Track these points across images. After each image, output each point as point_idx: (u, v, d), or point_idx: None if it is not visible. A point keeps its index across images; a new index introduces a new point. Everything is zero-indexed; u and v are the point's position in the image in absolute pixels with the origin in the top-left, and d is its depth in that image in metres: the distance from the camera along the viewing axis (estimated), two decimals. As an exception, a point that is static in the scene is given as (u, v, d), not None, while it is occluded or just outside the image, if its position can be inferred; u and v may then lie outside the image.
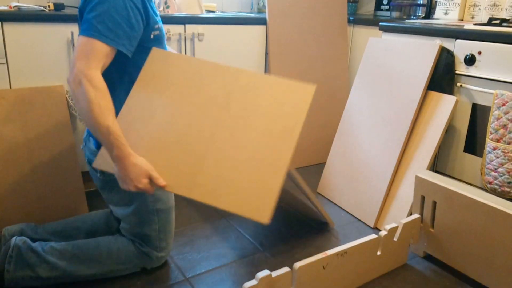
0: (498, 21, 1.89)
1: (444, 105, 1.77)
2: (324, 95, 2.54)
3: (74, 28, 1.85)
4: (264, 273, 1.20)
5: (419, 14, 2.59)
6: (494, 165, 1.64)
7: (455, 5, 2.27)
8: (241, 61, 2.32)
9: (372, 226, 1.90)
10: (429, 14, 2.43)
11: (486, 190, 1.67)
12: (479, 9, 2.21)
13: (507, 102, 1.60)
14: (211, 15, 2.24)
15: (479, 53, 1.72)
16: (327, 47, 2.51)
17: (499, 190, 1.65)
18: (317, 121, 2.53)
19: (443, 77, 1.80)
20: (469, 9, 2.26)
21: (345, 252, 1.39)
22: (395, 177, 1.87)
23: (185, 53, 2.14)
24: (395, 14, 2.62)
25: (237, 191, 1.16)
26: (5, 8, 1.80)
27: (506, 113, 1.60)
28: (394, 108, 1.91)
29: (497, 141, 1.63)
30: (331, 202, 2.13)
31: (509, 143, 1.61)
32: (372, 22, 2.45)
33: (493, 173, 1.65)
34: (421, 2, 2.57)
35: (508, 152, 1.60)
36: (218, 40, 2.22)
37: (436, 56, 1.79)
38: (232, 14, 2.40)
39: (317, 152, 2.57)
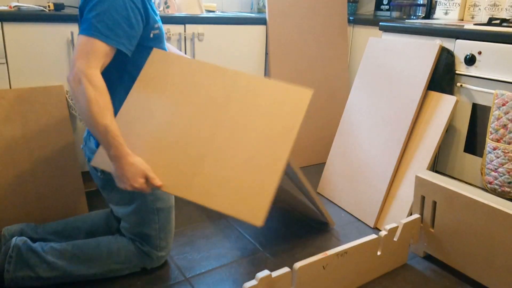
0: (498, 21, 1.88)
1: (444, 105, 1.77)
2: (324, 95, 2.54)
3: (74, 28, 1.85)
4: (264, 273, 1.20)
5: (419, 14, 2.59)
6: (494, 165, 1.64)
7: (455, 5, 2.27)
8: (241, 61, 2.32)
9: (372, 226, 1.90)
10: (429, 14, 2.43)
11: (486, 190, 1.67)
12: (479, 9, 2.21)
13: (507, 102, 1.60)
14: (211, 15, 2.24)
15: (479, 53, 1.72)
16: (327, 47, 2.51)
17: (499, 190, 1.65)
18: (317, 121, 2.53)
19: (443, 77, 1.80)
20: (469, 9, 2.26)
21: (345, 252, 1.39)
22: (395, 177, 1.87)
23: (185, 53, 2.14)
24: (395, 14, 2.62)
25: (232, 193, 1.17)
26: (5, 8, 1.80)
27: (506, 113, 1.60)
28: (394, 108, 1.90)
29: (497, 141, 1.63)
30: (331, 202, 2.13)
31: (509, 143, 1.61)
32: (372, 22, 2.45)
33: (493, 173, 1.65)
34: (421, 2, 2.57)
35: (508, 152, 1.60)
36: (218, 40, 2.22)
37: (436, 56, 1.79)
38: (232, 14, 2.40)
39: (317, 152, 2.57)
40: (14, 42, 1.75)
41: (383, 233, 1.51)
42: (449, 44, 1.83)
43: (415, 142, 1.83)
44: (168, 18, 2.05)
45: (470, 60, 1.75)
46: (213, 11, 2.51)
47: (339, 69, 2.57)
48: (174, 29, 2.07)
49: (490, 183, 1.67)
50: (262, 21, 2.32)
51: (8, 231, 1.48)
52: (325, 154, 2.46)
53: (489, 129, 1.66)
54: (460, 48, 1.79)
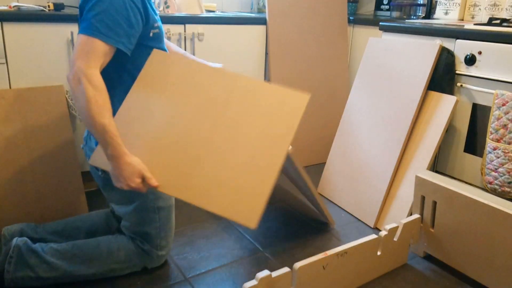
0: (498, 21, 1.88)
1: (444, 105, 1.77)
2: (324, 95, 2.54)
3: (74, 28, 1.85)
4: (264, 273, 1.20)
5: (419, 14, 2.59)
6: (495, 165, 1.64)
7: (455, 5, 2.27)
8: (241, 61, 2.32)
9: (372, 226, 1.90)
10: (429, 14, 2.43)
11: (486, 190, 1.67)
12: (479, 9, 2.21)
13: (507, 102, 1.60)
14: (211, 15, 2.24)
15: (479, 53, 1.72)
16: (327, 47, 2.51)
17: (500, 190, 1.65)
18: (317, 121, 2.53)
19: (443, 77, 1.80)
20: (469, 9, 2.26)
21: (345, 252, 1.39)
22: (395, 177, 1.87)
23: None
24: (395, 14, 2.62)
25: (226, 195, 1.18)
26: (5, 8, 1.80)
27: (506, 113, 1.60)
28: (394, 108, 1.90)
29: (498, 141, 1.63)
30: (331, 202, 2.13)
31: (509, 143, 1.60)
32: (372, 22, 2.45)
33: (493, 173, 1.65)
34: (421, 2, 2.57)
35: (508, 152, 1.60)
36: (218, 40, 2.22)
37: (436, 56, 1.79)
38: (232, 14, 2.40)
39: (317, 152, 2.57)
40: (14, 42, 1.75)
41: (383, 233, 1.51)
42: (449, 44, 1.83)
43: (415, 142, 1.83)
44: (168, 18, 2.05)
45: (470, 60, 1.75)
46: (213, 11, 2.51)
47: (339, 69, 2.57)
48: (174, 29, 2.07)
49: (490, 183, 1.67)
50: (262, 21, 2.32)
51: (8, 231, 1.49)
52: (325, 154, 2.45)
53: (489, 129, 1.66)
54: (460, 48, 1.79)
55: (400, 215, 1.81)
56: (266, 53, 2.38)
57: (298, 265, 1.28)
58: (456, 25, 1.92)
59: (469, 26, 1.84)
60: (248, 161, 1.20)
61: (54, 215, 1.75)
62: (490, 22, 1.90)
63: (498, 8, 2.13)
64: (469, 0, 2.25)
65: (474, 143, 1.79)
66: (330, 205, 2.10)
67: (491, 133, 1.65)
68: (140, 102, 1.33)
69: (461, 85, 1.79)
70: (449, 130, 1.86)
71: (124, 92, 1.36)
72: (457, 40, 1.81)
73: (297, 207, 2.04)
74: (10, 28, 1.73)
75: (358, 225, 1.92)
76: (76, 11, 1.88)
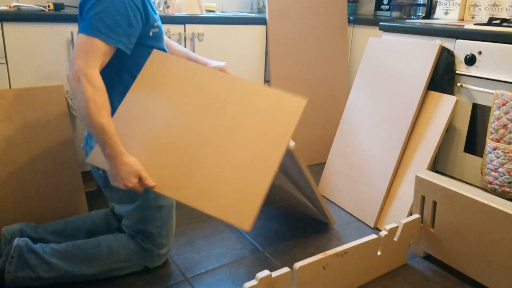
0: (498, 21, 1.88)
1: (444, 105, 1.77)
2: (324, 95, 2.54)
3: (74, 28, 1.85)
4: (264, 273, 1.20)
5: (419, 14, 2.59)
6: (495, 165, 1.64)
7: (455, 5, 2.27)
8: (241, 61, 2.32)
9: (372, 226, 1.90)
10: (429, 14, 2.43)
11: (486, 190, 1.67)
12: (479, 9, 2.21)
13: (507, 102, 1.60)
14: (211, 15, 2.24)
15: (480, 53, 1.72)
16: (327, 47, 2.51)
17: (500, 190, 1.65)
18: (317, 121, 2.53)
19: (443, 77, 1.80)
20: (469, 9, 2.26)
21: (345, 252, 1.39)
22: (395, 177, 1.87)
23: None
24: (395, 14, 2.62)
25: (222, 197, 1.19)
26: (5, 8, 1.80)
27: (506, 113, 1.60)
28: (394, 108, 1.90)
29: (498, 141, 1.63)
30: (331, 202, 2.13)
31: (509, 143, 1.60)
32: (372, 22, 2.45)
33: (493, 173, 1.65)
34: (421, 2, 2.57)
35: (508, 152, 1.60)
36: (218, 40, 2.22)
37: (436, 56, 1.79)
38: (232, 14, 2.40)
39: (317, 152, 2.57)
40: (14, 42, 1.75)
41: (383, 233, 1.51)
42: (449, 44, 1.83)
43: (415, 142, 1.83)
44: (168, 18, 2.05)
45: (470, 60, 1.75)
46: (213, 11, 2.51)
47: (339, 69, 2.57)
48: (174, 29, 2.07)
49: (490, 183, 1.67)
50: (262, 21, 2.32)
51: (8, 231, 1.49)
52: (325, 154, 2.45)
53: (489, 129, 1.66)
54: (460, 48, 1.79)
55: (400, 215, 1.81)
56: (266, 53, 2.38)
57: (298, 265, 1.28)
58: (456, 25, 1.92)
59: (469, 26, 1.84)
60: (243, 164, 1.21)
61: (54, 215, 1.75)
62: (490, 22, 1.90)
63: (498, 8, 2.13)
64: (469, 0, 2.25)
65: (474, 143, 1.79)
66: (330, 205, 2.10)
67: (491, 133, 1.65)
68: (139, 102, 1.33)
69: (461, 85, 1.79)
70: (449, 130, 1.86)
71: (124, 91, 1.37)
72: (457, 40, 1.81)
73: (297, 207, 2.04)
74: (10, 28, 1.73)
75: (358, 225, 1.92)
76: (76, 11, 1.88)
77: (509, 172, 1.61)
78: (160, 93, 1.34)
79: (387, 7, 2.77)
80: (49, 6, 1.91)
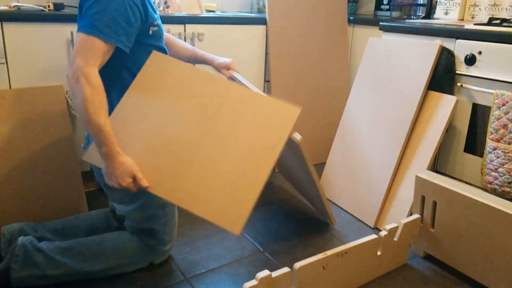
0: (498, 21, 1.88)
1: (444, 105, 1.77)
2: (324, 95, 2.54)
3: (73, 28, 1.85)
4: (264, 273, 1.20)
5: (419, 14, 2.59)
6: (495, 165, 1.64)
7: (455, 5, 2.27)
8: (241, 61, 2.32)
9: (372, 226, 1.90)
10: (429, 14, 2.43)
11: (486, 190, 1.67)
12: (479, 9, 2.21)
13: (507, 102, 1.60)
14: (211, 15, 2.24)
15: (480, 53, 1.72)
16: (327, 47, 2.51)
17: (500, 190, 1.65)
18: (317, 121, 2.53)
19: (443, 77, 1.80)
20: (469, 9, 2.26)
21: (345, 252, 1.39)
22: (395, 177, 1.87)
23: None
24: (395, 14, 2.62)
25: (213, 200, 1.21)
26: (5, 8, 1.80)
27: (506, 113, 1.60)
28: (394, 108, 1.90)
29: (498, 141, 1.63)
30: (331, 202, 2.13)
31: (509, 143, 1.60)
32: (372, 22, 2.45)
33: (493, 173, 1.65)
34: (421, 2, 2.57)
35: (508, 152, 1.60)
36: (218, 40, 2.22)
37: (436, 56, 1.79)
38: (232, 14, 2.40)
39: (317, 152, 2.57)
40: (14, 42, 1.75)
41: (383, 233, 1.51)
42: (449, 44, 1.83)
43: (415, 142, 1.83)
44: (168, 18, 2.05)
45: (470, 60, 1.75)
46: (213, 11, 2.51)
47: (339, 69, 2.57)
48: (174, 29, 2.07)
49: (490, 183, 1.67)
50: (262, 21, 2.32)
51: (8, 230, 1.49)
52: (325, 154, 2.45)
53: (489, 129, 1.66)
54: (460, 48, 1.79)
55: (400, 215, 1.81)
56: (266, 53, 2.38)
57: (298, 265, 1.28)
58: (456, 25, 1.92)
59: (469, 26, 1.84)
60: (236, 169, 1.23)
61: (54, 214, 1.75)
62: (490, 22, 1.90)
63: (498, 8, 2.13)
64: (469, 0, 2.25)
65: (474, 143, 1.79)
66: (330, 205, 2.10)
67: (491, 133, 1.65)
68: (136, 103, 1.35)
69: (461, 85, 1.79)
70: (449, 130, 1.86)
71: (123, 89, 1.38)
72: (457, 40, 1.81)
73: (297, 207, 2.04)
74: (10, 28, 1.73)
75: (358, 225, 1.92)
76: (76, 11, 1.88)
77: (509, 172, 1.61)
78: (156, 95, 1.35)
79: (387, 7, 2.77)
80: (49, 6, 1.91)
